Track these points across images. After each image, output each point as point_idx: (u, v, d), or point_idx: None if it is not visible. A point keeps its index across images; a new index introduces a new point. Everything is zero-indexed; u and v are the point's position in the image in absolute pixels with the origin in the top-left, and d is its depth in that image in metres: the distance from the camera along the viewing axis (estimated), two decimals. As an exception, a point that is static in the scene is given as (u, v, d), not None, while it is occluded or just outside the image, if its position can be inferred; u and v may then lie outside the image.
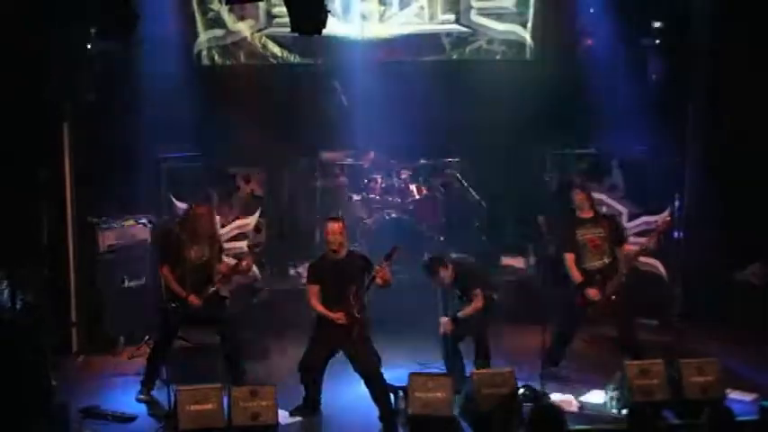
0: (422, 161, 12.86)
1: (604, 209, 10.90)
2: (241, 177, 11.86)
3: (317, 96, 12.76)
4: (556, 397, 9.26)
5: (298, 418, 9.09)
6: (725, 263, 11.49)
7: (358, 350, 9.02)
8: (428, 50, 13.17)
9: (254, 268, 11.18)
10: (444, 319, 9.49)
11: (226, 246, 10.48)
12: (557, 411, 6.96)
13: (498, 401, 8.55)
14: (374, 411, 8.98)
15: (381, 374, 9.02)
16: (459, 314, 9.46)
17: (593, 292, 9.61)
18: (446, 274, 9.48)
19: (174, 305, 9.32)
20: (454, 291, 9.56)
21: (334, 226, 9.06)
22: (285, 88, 12.68)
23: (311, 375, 9.13)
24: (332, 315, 8.98)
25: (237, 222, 11.61)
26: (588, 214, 9.85)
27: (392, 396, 8.99)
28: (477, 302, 9.47)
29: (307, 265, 11.90)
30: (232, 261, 10.00)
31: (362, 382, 9.08)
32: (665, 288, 11.46)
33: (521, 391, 8.83)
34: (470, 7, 13.03)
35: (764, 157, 11.43)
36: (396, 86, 12.75)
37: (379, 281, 8.97)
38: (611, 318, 9.71)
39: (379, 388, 8.97)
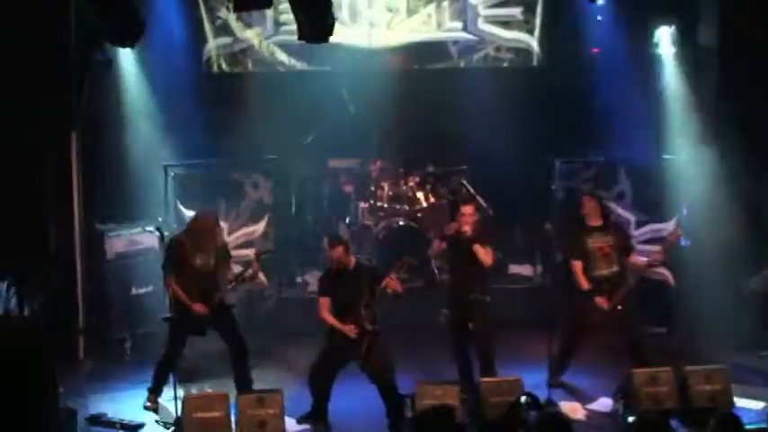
0: (429, 169, 12.85)
1: (612, 217, 10.87)
2: (249, 185, 11.86)
3: (324, 104, 12.76)
4: (563, 404, 9.24)
5: (305, 426, 9.08)
6: (733, 271, 11.46)
7: (371, 359, 9.01)
8: (435, 58, 13.17)
9: (261, 276, 11.17)
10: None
11: (233, 253, 10.47)
12: (563, 419, 6.93)
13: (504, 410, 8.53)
14: (382, 419, 8.97)
15: (395, 382, 9.01)
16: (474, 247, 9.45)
17: (601, 301, 9.58)
18: (470, 211, 9.56)
19: (179, 314, 9.31)
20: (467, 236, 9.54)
21: (338, 250, 9.01)
22: (292, 96, 12.68)
23: (320, 386, 9.11)
24: (343, 327, 8.97)
25: (245, 230, 11.66)
26: (598, 222, 9.83)
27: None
28: (489, 256, 9.52)
29: (314, 272, 11.98)
30: (239, 269, 10.00)
31: (371, 389, 9.08)
32: (674, 296, 11.45)
33: (522, 399, 8.74)
34: (478, 15, 13.03)
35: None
36: (403, 94, 12.76)
37: (389, 291, 8.98)
38: (617, 326, 9.69)
39: (392, 396, 8.96)
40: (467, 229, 9.50)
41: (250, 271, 9.58)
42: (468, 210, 9.62)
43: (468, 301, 9.54)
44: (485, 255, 9.52)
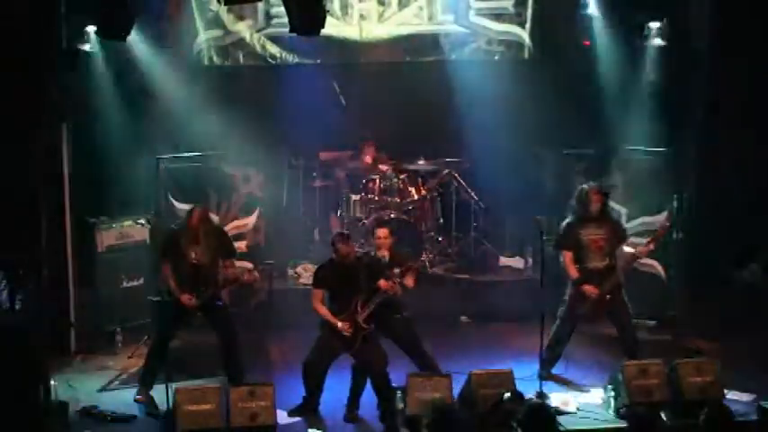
0: (420, 162, 12.86)
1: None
2: (240, 178, 11.84)
3: (315, 97, 12.74)
4: (554, 397, 9.26)
5: (296, 419, 9.09)
6: (723, 263, 11.49)
7: (364, 349, 9.03)
8: (427, 51, 13.16)
9: (255, 273, 11.18)
10: None
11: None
12: (545, 411, 6.95)
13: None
14: (373, 411, 8.98)
15: (388, 374, 9.02)
16: None
17: (590, 289, 9.62)
18: (384, 234, 9.45)
19: (169, 299, 9.31)
20: None
21: (348, 247, 9.05)
22: (284, 89, 12.66)
23: (315, 376, 9.12)
24: (336, 322, 8.98)
25: (236, 223, 11.64)
26: (596, 215, 9.84)
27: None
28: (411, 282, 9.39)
29: (305, 264, 11.99)
30: (238, 268, 9.97)
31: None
32: (664, 288, 11.48)
33: (505, 395, 8.68)
34: (469, 8, 13.03)
35: (763, 157, 11.44)
36: (394, 87, 12.75)
37: (389, 293, 9.00)
38: (606, 317, 9.72)
39: (385, 388, 8.97)
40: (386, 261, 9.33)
41: (245, 277, 9.60)
42: (382, 233, 9.53)
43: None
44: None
